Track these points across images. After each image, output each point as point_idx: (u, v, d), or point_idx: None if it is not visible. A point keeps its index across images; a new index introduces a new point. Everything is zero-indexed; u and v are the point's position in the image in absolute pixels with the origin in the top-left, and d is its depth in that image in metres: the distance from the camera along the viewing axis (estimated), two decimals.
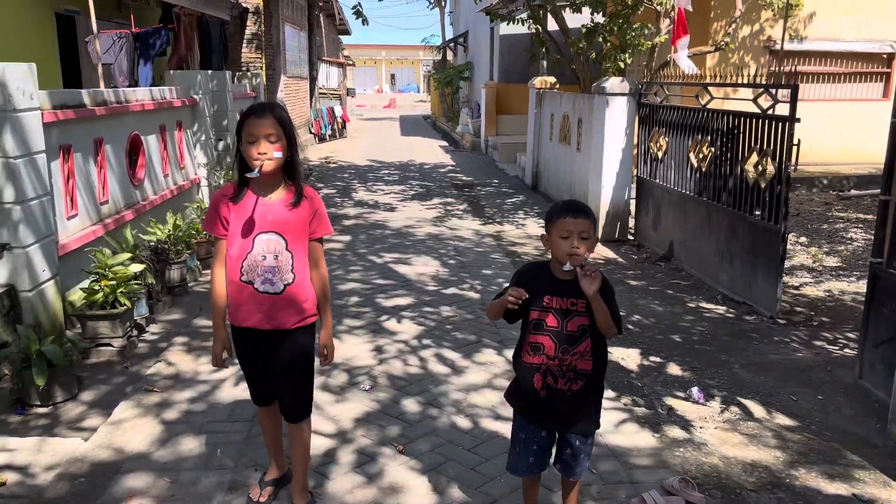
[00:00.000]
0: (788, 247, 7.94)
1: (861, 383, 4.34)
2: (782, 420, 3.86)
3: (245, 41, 13.96)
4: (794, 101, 5.22)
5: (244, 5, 13.71)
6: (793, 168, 5.38)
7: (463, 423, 3.66)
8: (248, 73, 12.64)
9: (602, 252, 7.76)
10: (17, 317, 4.59)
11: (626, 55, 9.77)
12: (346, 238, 8.08)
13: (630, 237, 8.40)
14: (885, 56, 12.35)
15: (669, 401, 4.06)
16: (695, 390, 4.15)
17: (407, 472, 3.18)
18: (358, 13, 10.96)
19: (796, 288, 6.42)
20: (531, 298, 2.49)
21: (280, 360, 2.72)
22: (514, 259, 7.30)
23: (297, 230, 2.63)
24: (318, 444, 3.38)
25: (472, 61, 24.62)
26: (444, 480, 3.12)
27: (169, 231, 6.26)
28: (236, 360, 2.87)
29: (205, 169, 8.86)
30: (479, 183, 12.83)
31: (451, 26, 33.03)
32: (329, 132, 21.18)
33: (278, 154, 2.53)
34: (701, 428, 3.73)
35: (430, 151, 18.42)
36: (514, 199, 11.12)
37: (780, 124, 5.35)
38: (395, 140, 21.97)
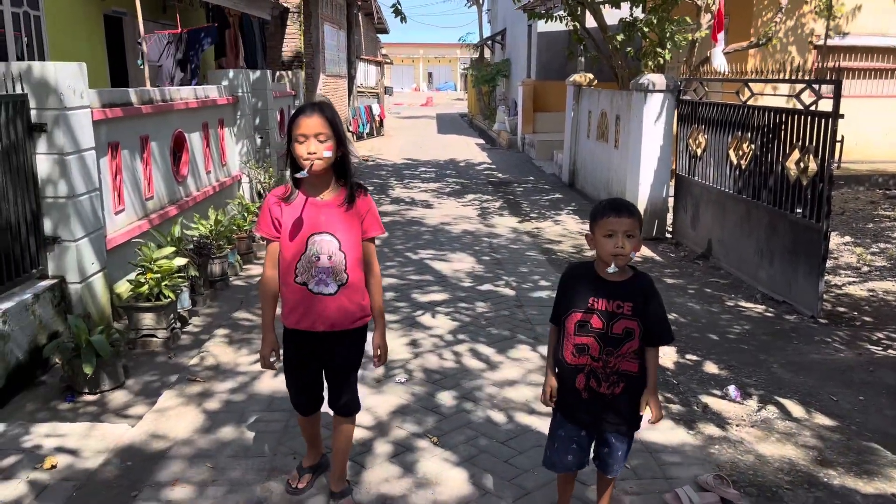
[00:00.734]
0: (832, 246, 7.79)
1: None
2: (821, 420, 3.80)
3: (285, 40, 14.16)
4: (837, 97, 5.12)
5: (285, 5, 13.91)
6: (836, 165, 5.28)
7: (497, 416, 3.70)
8: (289, 72, 12.83)
9: (642, 251, 7.70)
10: (66, 307, 4.76)
11: (666, 51, 9.67)
12: (384, 236, 8.17)
13: (668, 235, 8.33)
14: None
15: (705, 398, 4.04)
16: (731, 388, 4.12)
17: (441, 463, 3.23)
18: (397, 11, 11.02)
19: (839, 287, 6.30)
20: (575, 299, 2.48)
21: (335, 360, 2.72)
22: (549, 256, 7.30)
23: (350, 230, 2.60)
24: (355, 435, 3.45)
25: (509, 59, 24.57)
26: (478, 472, 3.16)
27: (211, 227, 6.42)
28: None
29: (246, 166, 9.04)
30: (515, 180, 12.83)
31: (488, 24, 33.01)
32: (367, 130, 21.36)
33: (328, 153, 2.51)
34: (737, 426, 3.70)
35: (467, 149, 18.45)
36: (550, 197, 11.09)
37: (823, 121, 5.26)
38: (432, 138, 22.04)
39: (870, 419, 3.84)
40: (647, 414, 2.52)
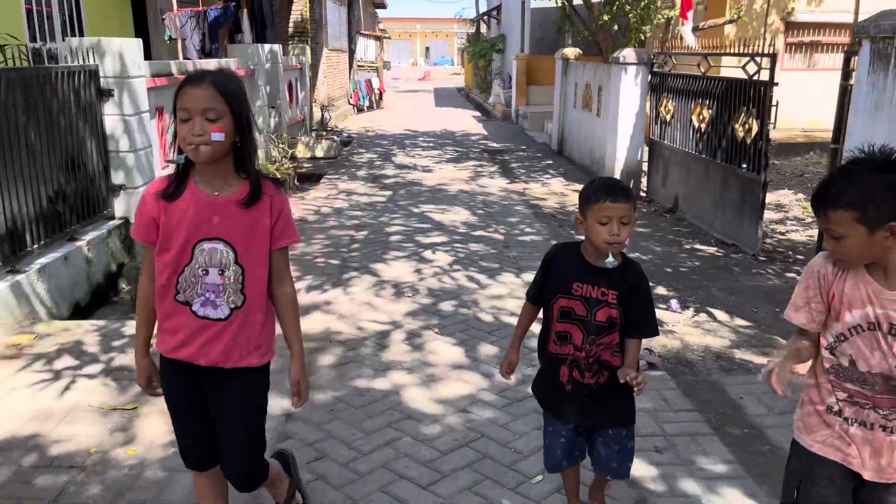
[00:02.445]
0: (786, 201, 8.83)
1: None
2: (740, 322, 4.84)
3: (291, 16, 15.01)
4: (772, 68, 6.10)
5: None
6: (772, 126, 6.26)
7: (486, 317, 4.73)
8: (295, 47, 13.72)
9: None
10: (131, 243, 5.76)
11: (647, 28, 10.59)
12: (388, 193, 9.15)
13: (643, 194, 9.32)
14: None
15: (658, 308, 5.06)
16: (673, 301, 5.15)
17: (442, 345, 4.27)
18: None
19: (783, 234, 7.32)
20: (560, 284, 2.34)
21: (221, 410, 2.16)
22: (535, 210, 8.30)
23: (250, 237, 2.07)
24: (376, 329, 4.49)
25: (504, 34, 25.35)
26: (470, 350, 4.19)
27: None
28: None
29: (261, 135, 9.99)
30: (508, 149, 13.78)
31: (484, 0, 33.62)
32: (367, 103, 22.22)
33: (218, 136, 1.95)
34: (672, 326, 4.73)
35: (464, 121, 19.35)
36: (540, 163, 12.06)
37: (762, 88, 6.24)
38: (430, 111, 22.91)
39: (780, 323, 4.84)
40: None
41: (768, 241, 6.91)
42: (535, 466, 2.99)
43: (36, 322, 4.37)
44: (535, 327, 2.56)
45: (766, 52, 6.37)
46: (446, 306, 4.96)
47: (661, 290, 5.51)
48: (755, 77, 6.44)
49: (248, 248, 2.07)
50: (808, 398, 2.04)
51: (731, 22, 11.25)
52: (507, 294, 5.22)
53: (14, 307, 4.21)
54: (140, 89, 5.80)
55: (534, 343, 2.64)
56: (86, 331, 4.36)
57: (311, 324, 4.57)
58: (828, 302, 1.94)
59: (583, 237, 2.35)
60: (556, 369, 2.38)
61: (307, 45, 14.69)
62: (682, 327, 4.71)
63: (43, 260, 4.61)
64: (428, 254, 6.30)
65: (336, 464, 3.02)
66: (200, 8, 10.04)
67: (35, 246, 4.62)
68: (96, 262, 5.21)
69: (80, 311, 4.91)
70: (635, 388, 2.21)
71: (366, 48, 24.93)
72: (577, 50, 12.67)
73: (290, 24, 15.00)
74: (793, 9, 12.06)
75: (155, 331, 2.19)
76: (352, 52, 22.28)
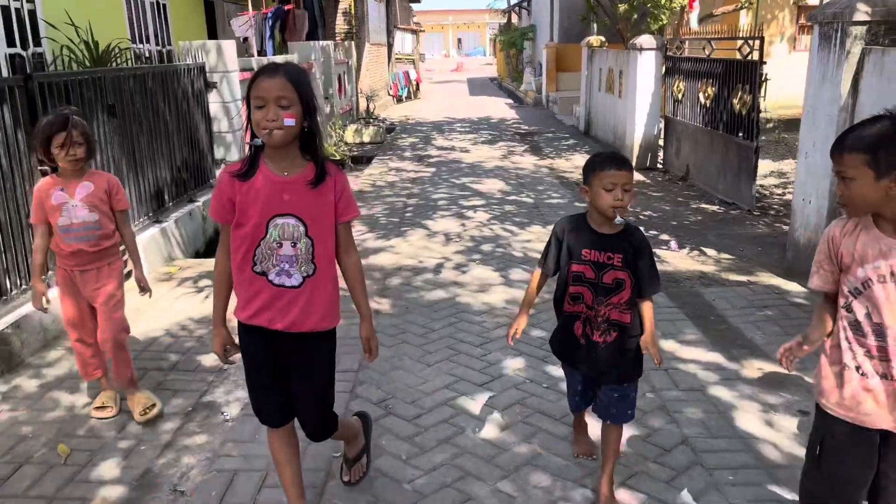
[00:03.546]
0: (788, 169, 9.84)
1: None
2: (725, 256, 5.98)
3: (338, 14, 16.34)
4: (761, 50, 7.18)
5: None
6: (762, 98, 7.34)
7: (517, 254, 5.97)
8: (342, 43, 15.05)
9: (635, 177, 9.82)
10: None
11: (664, 16, 11.65)
12: (432, 169, 10.42)
13: (659, 165, 10.42)
14: None
15: (655, 250, 6.23)
16: (672, 242, 6.31)
17: (485, 270, 5.52)
18: None
19: (781, 196, 8.38)
20: (571, 252, 2.58)
21: (297, 370, 2.38)
22: (561, 180, 9.47)
23: (318, 213, 2.27)
24: (432, 262, 5.75)
25: (535, 24, 26.39)
26: (504, 274, 5.43)
27: None
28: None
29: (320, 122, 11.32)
30: (538, 131, 14.93)
31: None
32: (405, 94, 23.51)
33: (290, 122, 2.14)
34: (668, 260, 5.90)
35: (497, 108, 20.52)
36: (567, 142, 13.20)
37: (753, 66, 7.32)
38: (465, 99, 24.12)
39: (760, 258, 5.98)
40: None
41: (766, 200, 8.00)
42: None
43: (175, 259, 5.75)
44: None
45: (755, 36, 7.43)
46: (486, 247, 6.21)
47: (664, 237, 6.67)
48: (748, 58, 7.53)
49: (317, 222, 2.26)
50: (827, 359, 2.10)
51: (742, 8, 12.21)
52: (535, 238, 6.44)
53: (162, 247, 5.58)
54: (235, 81, 7.14)
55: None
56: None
57: (381, 259, 5.87)
58: (838, 263, 2.05)
59: (586, 206, 2.62)
60: (572, 325, 2.63)
61: (352, 41, 16.01)
62: (677, 260, 5.88)
63: (175, 214, 5.98)
64: (469, 213, 7.56)
65: (413, 334, 4.29)
66: (260, 11, 11.40)
67: (170, 204, 6.00)
68: (208, 219, 6.57)
69: (198, 257, 6.26)
70: (656, 361, 2.52)
71: (402, 41, 26.21)
72: (601, 38, 13.74)
73: (337, 22, 16.33)
74: None
75: (232, 302, 2.37)
76: (390, 46, 23.57)
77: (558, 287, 2.69)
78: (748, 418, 3.32)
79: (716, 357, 3.99)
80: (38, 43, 6.94)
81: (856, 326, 2.02)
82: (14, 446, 3.14)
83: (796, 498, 2.71)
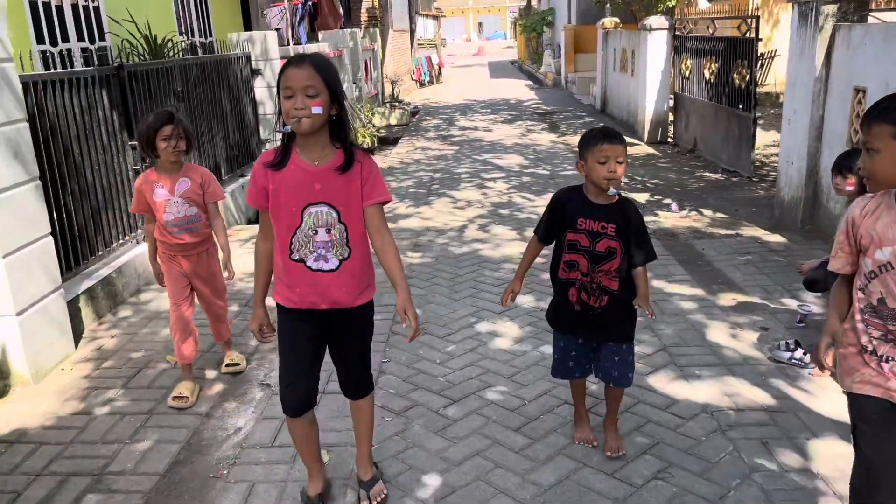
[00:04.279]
0: None
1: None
2: (720, 216, 6.65)
3: (362, 2, 17.07)
4: (756, 28, 7.79)
5: None
6: (759, 73, 7.94)
7: (533, 217, 6.70)
8: (368, 30, 15.79)
9: (646, 150, 10.47)
10: None
11: None
12: (455, 147, 11.16)
13: (670, 139, 11.04)
14: None
15: (658, 212, 6.92)
16: (674, 205, 6.99)
17: (503, 230, 6.28)
18: None
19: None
20: (567, 221, 2.70)
21: (340, 339, 2.54)
22: (577, 155, 10.14)
23: (349, 199, 2.36)
24: (456, 224, 6.51)
25: (553, 7, 26.83)
26: (522, 233, 6.17)
27: None
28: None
29: (349, 105, 12.10)
30: (557, 111, 15.57)
31: None
32: (428, 78, 24.20)
33: (318, 110, 2.22)
34: (668, 220, 6.59)
35: (517, 90, 21.13)
36: (584, 121, 13.84)
37: (750, 43, 7.93)
38: (486, 82, 24.73)
39: (752, 217, 6.64)
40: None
41: (765, 168, 8.62)
42: None
43: (232, 225, 6.59)
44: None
45: (752, 15, 8.03)
46: (504, 211, 6.96)
47: (667, 200, 7.35)
48: (746, 35, 8.13)
49: (349, 208, 2.35)
50: (845, 342, 2.06)
51: None
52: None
53: (223, 214, 6.41)
54: (277, 67, 7.93)
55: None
56: None
57: (411, 223, 6.66)
58: (857, 244, 2.01)
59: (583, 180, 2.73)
60: (566, 292, 2.77)
61: (377, 28, 16.74)
62: (676, 220, 6.58)
63: (231, 187, 6.81)
64: (489, 184, 8.30)
65: (441, 278, 5.07)
66: (291, 2, 12.18)
67: (226, 177, 6.83)
68: None
69: (251, 224, 7.09)
70: (650, 315, 2.66)
71: (424, 27, 26.85)
72: (616, 19, 14.30)
73: (362, 10, 17.06)
74: None
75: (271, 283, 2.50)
76: (412, 32, 24.24)
77: (554, 256, 2.82)
78: (717, 333, 4.05)
79: (698, 291, 4.71)
80: (102, 37, 7.78)
81: (871, 309, 1.99)
82: (132, 358, 3.99)
83: (747, 383, 3.47)
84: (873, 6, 10.15)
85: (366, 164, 2.38)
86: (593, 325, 2.77)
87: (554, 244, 2.82)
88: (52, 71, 4.43)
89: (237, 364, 3.80)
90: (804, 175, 5.86)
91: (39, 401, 3.51)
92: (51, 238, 3.82)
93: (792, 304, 4.38)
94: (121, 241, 4.86)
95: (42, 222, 3.72)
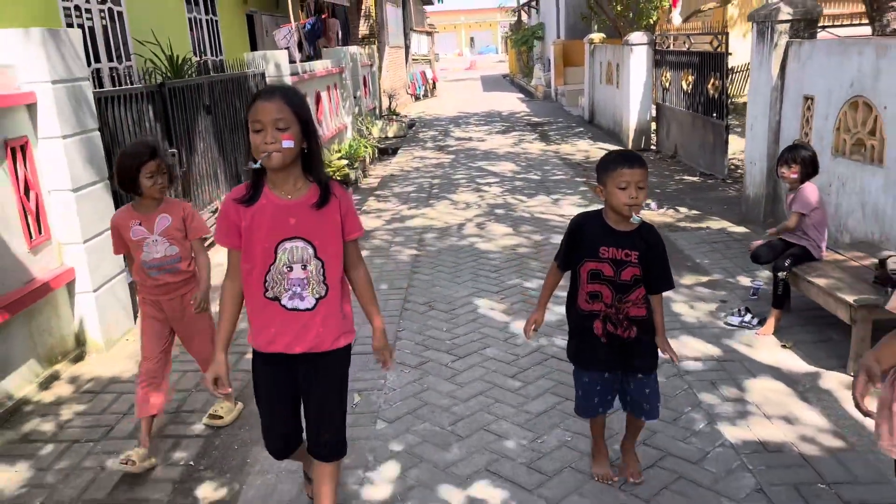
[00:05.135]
0: None
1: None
2: (694, 212, 7.36)
3: (360, 20, 17.86)
4: (726, 43, 8.56)
5: None
6: (729, 84, 8.69)
7: (525, 215, 7.40)
8: (366, 47, 16.54)
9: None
10: None
11: (654, 14, 13.01)
12: (452, 156, 11.88)
13: (652, 147, 11.79)
14: None
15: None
16: (653, 204, 7.71)
17: (498, 226, 6.99)
18: None
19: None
20: (587, 249, 2.57)
21: (314, 387, 2.38)
22: (565, 161, 10.88)
23: (326, 234, 2.29)
24: (455, 222, 7.20)
25: (543, 22, 27.74)
26: (516, 229, 6.86)
27: (345, 150, 10.24)
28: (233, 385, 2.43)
29: (349, 117, 12.82)
30: (547, 122, 16.34)
31: None
32: (422, 92, 25.00)
33: (289, 143, 2.14)
34: (647, 216, 7.30)
35: (509, 102, 21.94)
36: (573, 130, 14.60)
37: (721, 57, 8.69)
38: (479, 95, 25.56)
39: (722, 213, 7.36)
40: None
41: (739, 171, 9.36)
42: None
43: None
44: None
45: (723, 31, 8.80)
46: (499, 211, 7.67)
47: (647, 201, 8.07)
48: (718, 50, 8.90)
49: (326, 244, 2.27)
50: (884, 399, 1.90)
51: (727, 3, 13.50)
52: (539, 205, 7.88)
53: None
54: (288, 83, 8.63)
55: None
56: None
57: (415, 222, 7.36)
58: None
59: (602, 206, 2.62)
60: (591, 325, 2.62)
61: (374, 45, 17.51)
62: (654, 217, 7.29)
63: None
64: (485, 188, 9.02)
65: (444, 266, 5.75)
66: (300, 21, 12.93)
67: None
68: None
69: None
70: (674, 359, 2.63)
71: (419, 43, 27.68)
72: (602, 34, 15.11)
73: (360, 28, 17.84)
74: None
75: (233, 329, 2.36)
76: (407, 48, 25.06)
77: (571, 287, 2.69)
78: (680, 306, 4.75)
79: None
80: (128, 58, 8.48)
81: None
82: None
83: (702, 341, 4.16)
84: (829, 22, 10.98)
85: (344, 199, 2.32)
86: (622, 356, 2.65)
87: (571, 274, 2.69)
88: (112, 88, 5.09)
89: (220, 417, 3.46)
90: (765, 174, 6.58)
91: (113, 364, 4.17)
92: None
93: (748, 281, 5.08)
94: None
95: (109, 215, 4.40)
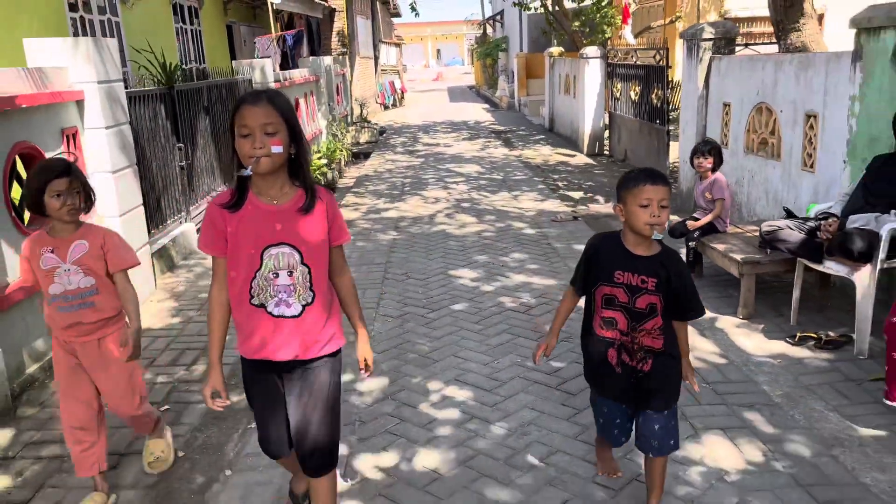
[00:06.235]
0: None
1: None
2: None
3: (332, 33, 18.72)
4: (667, 57, 9.65)
5: (332, 6, 18.45)
6: (669, 94, 9.77)
7: (488, 207, 8.33)
8: (339, 57, 17.41)
9: (585, 161, 12.25)
10: None
11: (607, 30, 14.14)
12: (421, 159, 12.80)
13: (606, 152, 12.86)
14: None
15: (588, 204, 8.62)
16: (601, 199, 8.70)
17: (465, 217, 7.90)
18: (413, 7, 15.61)
19: None
20: (602, 272, 2.47)
21: (302, 396, 2.31)
22: (526, 164, 11.87)
23: (312, 239, 2.22)
24: (426, 213, 8.10)
25: (507, 36, 28.94)
26: (481, 218, 7.78)
27: (323, 151, 11.08)
28: (231, 398, 2.53)
29: (324, 123, 13.65)
30: (510, 130, 17.37)
31: (489, 4, 37.26)
32: (391, 102, 25.91)
33: (277, 149, 2.08)
34: (593, 208, 8.28)
35: (474, 112, 22.97)
36: (534, 137, 15.65)
37: (663, 70, 9.78)
38: (445, 106, 26.57)
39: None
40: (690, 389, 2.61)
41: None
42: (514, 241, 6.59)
43: None
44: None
45: (663, 47, 9.88)
46: (465, 204, 8.60)
47: (598, 197, 9.08)
48: (660, 63, 9.99)
49: (312, 249, 2.22)
50: None
51: (676, 20, 14.70)
52: (501, 199, 8.83)
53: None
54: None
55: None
56: None
57: (391, 214, 8.24)
58: None
59: (620, 227, 2.49)
60: (605, 352, 2.51)
61: (346, 56, 18.38)
62: (599, 209, 8.29)
63: None
64: (452, 186, 9.94)
65: (418, 247, 6.63)
66: (280, 33, 13.75)
67: None
68: None
69: None
70: (695, 387, 2.52)
71: (387, 54, 28.63)
72: (561, 48, 16.21)
73: (334, 38, 18.71)
74: (727, 9, 15.56)
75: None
76: (376, 59, 25.98)
77: (586, 311, 2.59)
78: None
79: None
80: (124, 64, 9.22)
81: None
82: (200, 296, 5.45)
83: None
84: (748, 40, 12.21)
85: (331, 204, 2.30)
86: (634, 388, 2.51)
87: (585, 298, 2.60)
88: (135, 89, 5.87)
89: (161, 460, 3.11)
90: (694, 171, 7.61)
91: (144, 319, 4.94)
92: (142, 207, 5.30)
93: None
94: (174, 218, 6.33)
95: (137, 195, 5.21)
